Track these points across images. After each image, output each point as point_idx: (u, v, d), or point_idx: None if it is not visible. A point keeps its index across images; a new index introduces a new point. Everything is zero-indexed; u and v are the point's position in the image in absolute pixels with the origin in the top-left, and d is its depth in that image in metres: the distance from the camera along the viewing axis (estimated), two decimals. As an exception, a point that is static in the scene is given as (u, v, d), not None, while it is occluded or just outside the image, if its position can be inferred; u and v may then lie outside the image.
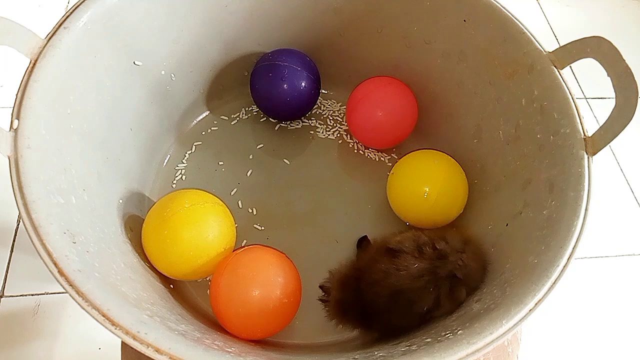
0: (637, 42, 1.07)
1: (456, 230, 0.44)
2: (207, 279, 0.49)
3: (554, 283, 0.34)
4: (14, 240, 0.71)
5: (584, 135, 0.40)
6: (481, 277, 0.42)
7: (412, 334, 0.39)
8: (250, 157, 0.59)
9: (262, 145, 0.60)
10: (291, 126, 0.62)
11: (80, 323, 0.66)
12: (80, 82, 0.42)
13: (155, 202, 0.47)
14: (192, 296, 0.49)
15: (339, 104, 0.64)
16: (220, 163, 0.58)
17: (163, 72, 0.53)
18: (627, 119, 0.38)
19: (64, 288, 0.31)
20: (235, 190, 0.56)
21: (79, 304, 0.30)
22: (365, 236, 0.52)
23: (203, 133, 0.60)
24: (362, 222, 0.54)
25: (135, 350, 0.29)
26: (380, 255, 0.42)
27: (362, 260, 0.45)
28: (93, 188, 0.42)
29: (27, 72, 0.38)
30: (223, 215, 0.46)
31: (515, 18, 0.46)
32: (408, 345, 0.35)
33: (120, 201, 0.47)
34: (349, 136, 0.61)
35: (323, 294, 0.45)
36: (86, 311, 0.30)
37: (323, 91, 0.63)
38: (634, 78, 0.37)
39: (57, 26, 0.41)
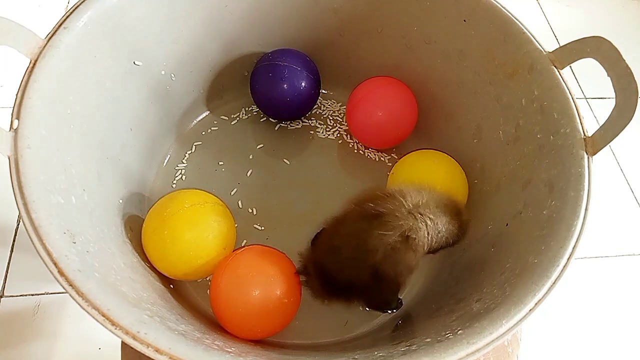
0: (637, 42, 1.07)
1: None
2: (207, 279, 0.49)
3: (554, 283, 0.34)
4: (14, 240, 0.71)
5: (584, 135, 0.40)
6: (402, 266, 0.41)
7: (412, 334, 0.39)
8: (250, 157, 0.59)
9: (262, 145, 0.60)
10: (291, 126, 0.62)
11: (80, 323, 0.66)
12: (80, 82, 0.42)
13: (155, 202, 0.47)
14: (192, 296, 0.49)
15: (339, 104, 0.64)
16: (220, 163, 0.58)
17: (163, 72, 0.53)
18: (627, 119, 0.38)
19: (64, 288, 0.31)
20: (235, 190, 0.56)
21: (79, 304, 0.30)
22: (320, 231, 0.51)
23: (203, 133, 0.60)
24: (362, 222, 0.54)
25: (135, 350, 0.29)
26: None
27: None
28: (93, 188, 0.42)
29: (27, 72, 0.38)
30: (223, 215, 0.46)
31: (515, 18, 0.46)
32: (408, 345, 0.35)
33: (120, 201, 0.47)
34: (349, 136, 0.61)
35: (304, 278, 0.44)
36: (86, 311, 0.30)
37: (323, 91, 0.63)
38: (634, 78, 0.37)
39: (57, 26, 0.41)
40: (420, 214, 0.40)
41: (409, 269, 0.41)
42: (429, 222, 0.40)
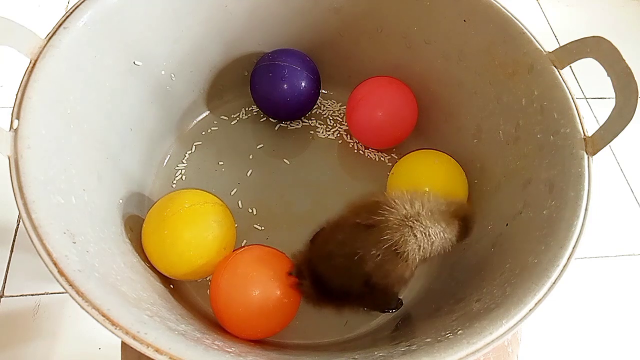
0: (637, 42, 1.07)
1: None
2: (207, 279, 0.49)
3: (554, 283, 0.34)
4: (14, 240, 0.71)
5: (584, 135, 0.40)
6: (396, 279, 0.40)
7: (412, 334, 0.39)
8: (250, 157, 0.59)
9: (262, 145, 0.60)
10: (291, 126, 0.62)
11: (80, 323, 0.66)
12: (80, 82, 0.42)
13: (155, 202, 0.47)
14: (192, 296, 0.49)
15: (339, 104, 0.64)
16: (220, 163, 0.58)
17: (163, 72, 0.53)
18: (627, 119, 0.38)
19: (64, 288, 0.31)
20: (235, 190, 0.56)
21: (79, 304, 0.30)
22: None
23: (203, 133, 0.60)
24: (362, 222, 0.54)
25: (135, 350, 0.29)
26: (330, 227, 0.43)
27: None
28: (93, 188, 0.42)
29: (27, 72, 0.38)
30: (223, 215, 0.46)
31: (515, 18, 0.46)
32: (408, 345, 0.35)
33: (120, 201, 0.47)
34: (349, 136, 0.61)
35: (297, 281, 0.43)
36: (86, 311, 0.30)
37: (323, 91, 0.63)
38: (634, 78, 0.37)
39: (57, 26, 0.41)
40: (411, 226, 0.39)
41: (402, 280, 0.41)
42: (418, 235, 0.39)
